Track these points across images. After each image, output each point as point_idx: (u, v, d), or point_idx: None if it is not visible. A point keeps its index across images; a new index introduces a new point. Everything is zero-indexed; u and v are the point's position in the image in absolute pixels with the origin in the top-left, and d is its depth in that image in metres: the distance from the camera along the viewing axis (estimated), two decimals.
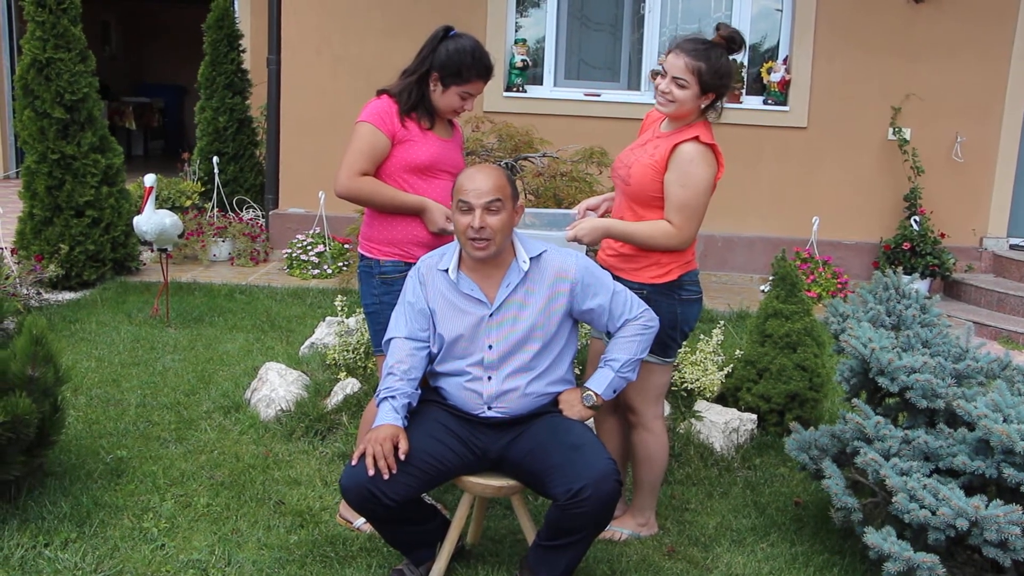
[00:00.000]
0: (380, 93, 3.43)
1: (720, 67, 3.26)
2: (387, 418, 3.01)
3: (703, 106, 3.32)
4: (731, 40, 3.31)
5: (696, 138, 3.27)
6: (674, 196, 3.27)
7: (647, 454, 3.57)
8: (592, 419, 3.49)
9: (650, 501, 3.65)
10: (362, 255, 3.51)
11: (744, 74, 8.37)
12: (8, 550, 3.26)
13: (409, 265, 3.40)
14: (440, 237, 3.41)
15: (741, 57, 8.33)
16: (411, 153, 3.36)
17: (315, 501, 3.77)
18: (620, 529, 3.63)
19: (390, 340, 3.18)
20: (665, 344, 3.42)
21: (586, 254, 3.40)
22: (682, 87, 3.26)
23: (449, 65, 3.35)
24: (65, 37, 6.77)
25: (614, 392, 3.17)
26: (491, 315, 3.10)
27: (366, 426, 3.57)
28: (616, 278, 3.38)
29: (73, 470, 3.90)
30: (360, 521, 3.56)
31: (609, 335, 3.23)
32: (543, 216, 3.74)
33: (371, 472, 2.89)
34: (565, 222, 3.55)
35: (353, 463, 2.93)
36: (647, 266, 3.37)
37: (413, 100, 3.38)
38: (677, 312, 3.40)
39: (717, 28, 3.35)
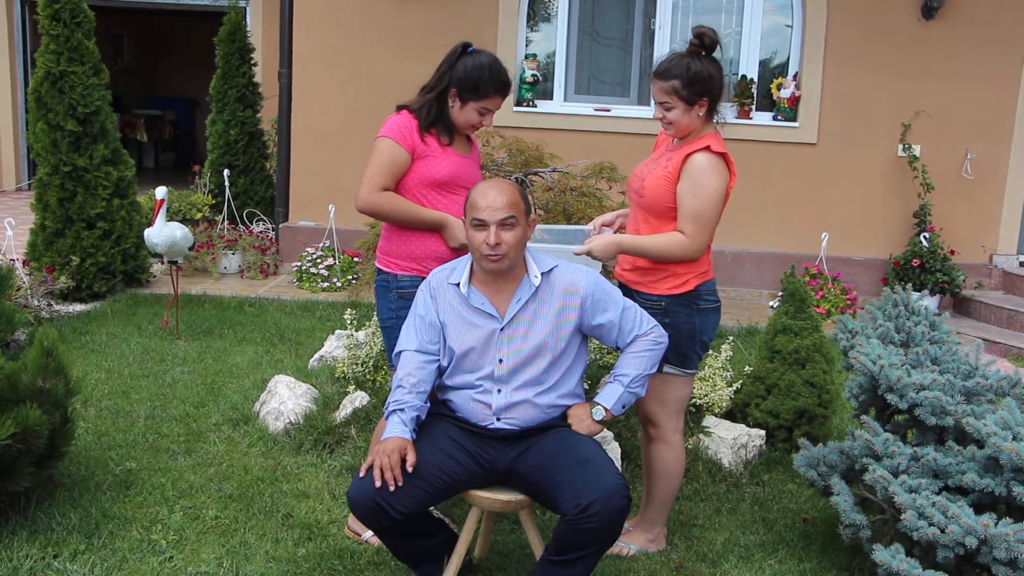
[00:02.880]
0: (400, 109, 3.45)
1: (694, 73, 3.28)
2: (395, 431, 3.01)
3: (701, 114, 3.33)
4: (701, 42, 3.33)
5: (707, 148, 3.28)
6: (686, 206, 3.28)
7: (665, 468, 3.56)
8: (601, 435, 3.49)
9: (661, 516, 3.64)
10: (379, 269, 3.52)
11: (754, 90, 8.38)
12: (17, 561, 3.27)
13: (424, 279, 3.41)
14: (458, 251, 3.43)
15: (751, 73, 8.37)
16: (430, 168, 3.38)
17: (323, 514, 3.77)
18: (628, 544, 3.61)
19: (400, 353, 3.19)
20: (685, 355, 3.43)
21: (602, 271, 3.41)
22: (669, 108, 3.32)
23: (467, 81, 3.36)
24: (79, 50, 6.82)
25: (623, 408, 3.16)
26: (502, 329, 3.11)
27: (377, 441, 3.57)
28: (634, 291, 3.40)
29: (82, 482, 3.91)
30: (368, 534, 3.57)
31: (619, 351, 3.23)
32: (556, 232, 3.74)
33: (378, 484, 2.89)
34: (579, 238, 3.55)
35: (361, 475, 2.94)
36: (664, 278, 3.37)
37: (432, 116, 3.40)
38: (695, 322, 3.41)
39: (692, 32, 3.39)
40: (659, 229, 3.37)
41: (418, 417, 3.10)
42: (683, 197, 3.29)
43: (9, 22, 11.98)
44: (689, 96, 3.28)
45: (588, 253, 3.31)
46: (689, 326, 3.40)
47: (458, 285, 3.16)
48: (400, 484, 2.90)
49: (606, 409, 3.14)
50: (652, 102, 3.48)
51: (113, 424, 4.61)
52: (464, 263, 3.19)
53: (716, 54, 3.37)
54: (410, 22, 8.27)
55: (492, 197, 3.03)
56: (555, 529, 2.97)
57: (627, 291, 3.45)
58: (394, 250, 3.46)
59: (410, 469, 2.93)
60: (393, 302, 3.46)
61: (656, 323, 3.21)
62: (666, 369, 3.42)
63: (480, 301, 3.13)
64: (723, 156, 3.31)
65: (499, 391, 3.12)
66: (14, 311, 3.68)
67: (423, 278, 3.39)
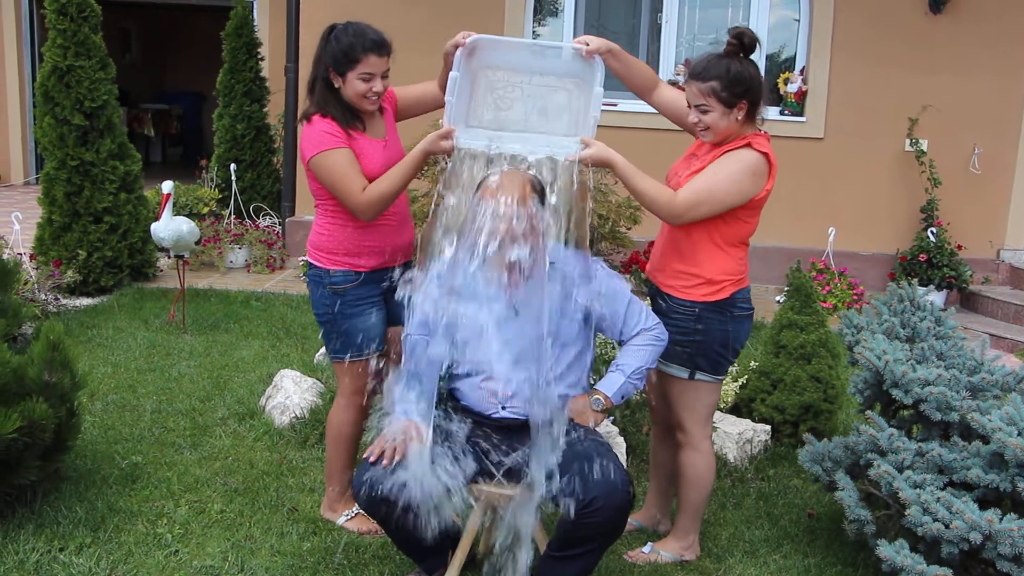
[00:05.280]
0: (307, 119, 3.38)
1: (735, 75, 3.15)
2: (404, 415, 3.05)
3: (740, 117, 3.20)
4: (740, 42, 3.20)
5: (748, 144, 3.18)
6: (699, 177, 3.18)
7: (695, 474, 3.49)
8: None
9: (694, 523, 3.56)
10: (311, 264, 3.52)
11: (760, 77, 8.35)
12: (24, 554, 3.29)
13: (358, 275, 3.42)
14: (390, 241, 3.45)
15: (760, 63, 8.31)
16: (364, 166, 3.35)
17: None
18: (663, 552, 3.55)
19: (409, 336, 3.21)
20: (717, 362, 3.36)
21: (611, 266, 3.38)
22: (705, 111, 3.18)
23: (337, 53, 3.32)
24: (86, 45, 6.83)
25: (622, 398, 3.15)
26: (508, 318, 3.10)
27: (332, 437, 3.63)
28: (666, 295, 3.35)
29: (88, 475, 3.93)
30: (342, 519, 3.60)
31: (621, 344, 3.22)
32: (518, 49, 3.32)
33: (373, 459, 2.92)
34: (553, 57, 3.25)
35: (371, 460, 2.95)
36: (699, 284, 3.29)
37: (339, 111, 3.35)
38: (728, 330, 3.33)
39: (728, 33, 3.28)
40: (691, 232, 3.27)
41: (427, 403, 3.11)
42: (705, 171, 3.19)
43: (17, 17, 12.01)
44: (729, 98, 3.15)
45: (581, 160, 3.11)
46: (722, 333, 3.32)
47: (468, 272, 3.15)
48: (397, 459, 2.92)
49: (606, 397, 3.12)
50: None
51: (119, 418, 4.62)
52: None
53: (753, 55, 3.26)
54: (416, 16, 8.26)
55: (503, 210, 2.93)
56: (558, 524, 2.98)
57: (659, 295, 3.40)
58: (326, 244, 3.44)
59: (418, 444, 2.95)
60: (327, 298, 3.45)
61: (660, 321, 3.20)
62: (698, 376, 3.36)
63: (488, 287, 3.13)
64: (765, 155, 3.18)
65: (504, 380, 3.12)
66: (20, 305, 3.69)
67: (356, 272, 3.40)
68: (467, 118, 3.26)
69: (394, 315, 3.55)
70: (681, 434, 3.48)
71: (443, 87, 3.43)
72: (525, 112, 3.27)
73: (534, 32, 8.59)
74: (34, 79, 11.59)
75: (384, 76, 3.38)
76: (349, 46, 3.31)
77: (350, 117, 3.37)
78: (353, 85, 3.33)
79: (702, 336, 3.29)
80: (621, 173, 3.13)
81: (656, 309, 3.41)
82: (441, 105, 3.53)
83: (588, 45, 3.19)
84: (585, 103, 3.23)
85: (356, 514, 3.64)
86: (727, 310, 3.31)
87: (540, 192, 3.04)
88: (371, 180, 3.33)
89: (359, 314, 3.46)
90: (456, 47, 3.22)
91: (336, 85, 3.35)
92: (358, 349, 3.48)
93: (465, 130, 3.22)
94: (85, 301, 6.85)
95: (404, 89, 3.64)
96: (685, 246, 3.30)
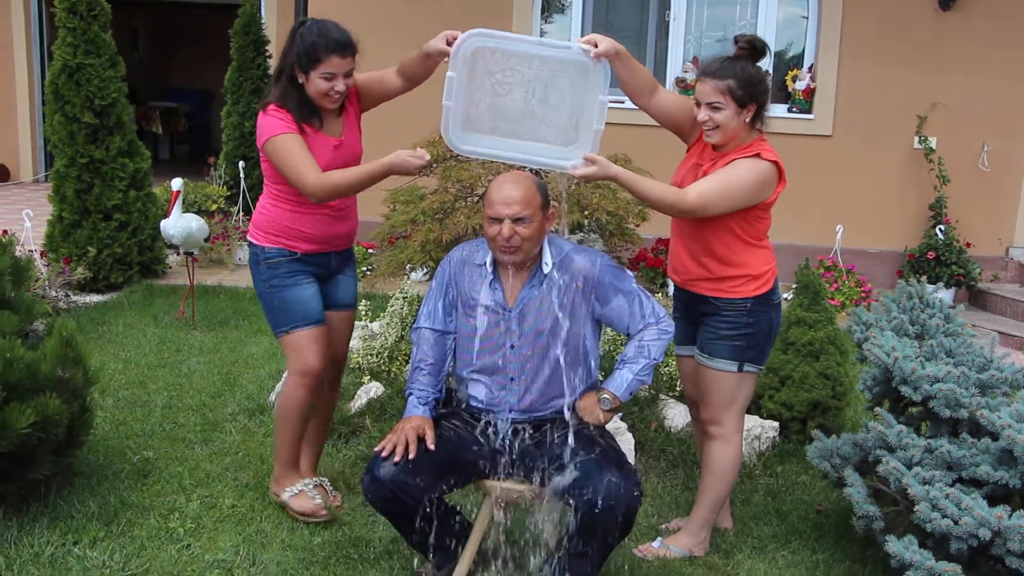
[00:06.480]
0: (263, 108, 3.45)
1: (749, 76, 3.24)
2: (415, 411, 3.09)
3: (748, 120, 3.27)
4: (752, 47, 3.30)
5: (757, 155, 3.24)
6: (711, 179, 3.22)
7: (725, 468, 3.52)
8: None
9: (712, 518, 3.59)
10: (250, 243, 3.62)
11: (768, 82, 8.35)
12: (39, 547, 3.32)
13: (292, 254, 3.51)
14: (327, 231, 3.54)
15: (766, 64, 8.30)
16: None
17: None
18: (672, 548, 3.56)
19: (418, 329, 3.25)
20: (763, 351, 3.46)
21: (620, 261, 3.39)
22: (718, 109, 3.24)
23: (301, 52, 3.36)
24: (95, 43, 6.86)
25: (630, 395, 3.16)
26: (512, 316, 3.12)
27: (278, 414, 3.66)
28: (711, 299, 3.40)
29: (101, 470, 3.95)
30: (287, 494, 3.65)
31: (628, 337, 3.23)
32: (523, 46, 3.16)
33: (384, 454, 2.95)
34: (564, 55, 3.17)
35: (383, 455, 2.97)
36: (746, 281, 3.37)
37: (295, 105, 3.40)
38: (772, 318, 3.45)
39: (735, 40, 3.33)
40: (703, 231, 3.33)
41: (437, 399, 3.15)
42: (717, 174, 3.23)
43: (26, 15, 12.05)
44: (743, 98, 3.22)
45: (584, 178, 3.14)
46: (768, 323, 3.43)
47: (478, 266, 3.18)
48: (411, 457, 2.95)
49: (614, 396, 3.12)
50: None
51: (130, 414, 4.65)
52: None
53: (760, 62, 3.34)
54: (422, 16, 8.25)
55: (507, 192, 3.01)
56: (567, 522, 2.99)
57: (702, 301, 3.44)
58: (264, 224, 3.55)
59: (431, 446, 2.98)
60: (264, 273, 3.56)
61: (666, 313, 3.21)
62: (746, 368, 3.43)
63: (495, 286, 3.15)
64: (774, 164, 3.27)
65: (511, 379, 3.13)
66: (34, 302, 3.71)
67: (289, 251, 3.50)
68: (465, 112, 3.17)
69: (330, 300, 3.69)
70: (716, 427, 3.52)
71: (406, 75, 3.54)
72: (525, 99, 3.18)
73: (541, 31, 8.59)
74: (43, 77, 11.67)
75: (347, 75, 3.42)
76: (312, 45, 3.35)
77: (307, 113, 3.43)
78: (315, 83, 3.38)
79: (753, 328, 3.39)
80: (626, 184, 3.16)
81: (700, 312, 3.46)
82: (399, 93, 3.61)
83: (596, 46, 3.18)
84: (584, 95, 3.17)
85: (299, 491, 3.67)
86: (770, 299, 3.43)
87: (543, 190, 3.09)
88: None
89: (294, 284, 3.55)
90: (441, 53, 3.25)
91: (300, 81, 3.40)
92: (297, 319, 3.56)
93: (463, 135, 3.17)
94: (95, 298, 6.88)
95: (363, 80, 3.63)
96: (720, 250, 3.36)
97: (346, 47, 3.38)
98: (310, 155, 3.37)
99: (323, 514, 3.60)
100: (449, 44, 3.20)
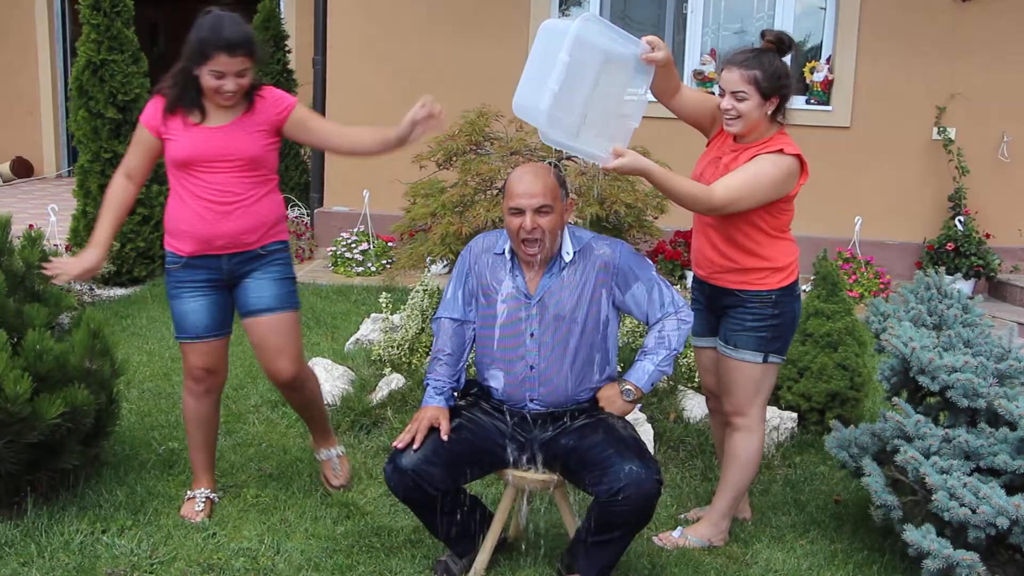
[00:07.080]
0: (157, 92, 3.43)
1: (775, 69, 3.27)
2: (431, 401, 3.13)
3: (769, 112, 3.30)
4: (779, 42, 3.34)
5: (780, 150, 3.26)
6: (737, 174, 3.24)
7: (748, 457, 3.55)
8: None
9: (732, 508, 3.62)
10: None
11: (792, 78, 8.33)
12: (68, 535, 3.39)
13: (179, 259, 3.47)
14: (205, 229, 3.40)
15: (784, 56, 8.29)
16: (171, 151, 3.39)
17: (360, 494, 3.85)
18: (691, 537, 3.58)
19: (438, 319, 3.28)
20: (787, 340, 3.50)
21: (638, 252, 3.41)
22: (742, 99, 3.26)
23: (192, 48, 3.23)
24: (119, 39, 6.93)
25: (652, 386, 3.18)
26: (533, 304, 3.15)
27: (190, 422, 3.67)
28: (737, 292, 3.42)
29: (127, 460, 4.02)
30: (187, 496, 3.65)
31: (647, 326, 3.24)
32: (606, 32, 3.07)
33: (401, 445, 3.00)
34: (627, 48, 3.14)
35: (400, 447, 3.02)
36: (771, 273, 3.39)
37: (175, 94, 3.34)
38: (795, 309, 3.49)
39: (763, 35, 3.35)
40: (727, 227, 3.36)
41: (455, 389, 3.19)
42: (742, 170, 3.25)
43: (50, 13, 12.16)
44: (767, 90, 3.25)
45: (614, 170, 3.11)
46: (791, 314, 3.47)
47: (499, 255, 3.21)
48: (428, 446, 3.00)
49: (636, 387, 3.14)
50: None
51: (155, 405, 4.72)
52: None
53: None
54: (441, 9, 8.29)
55: (528, 184, 3.05)
56: (587, 510, 3.02)
57: (726, 293, 3.46)
58: (166, 227, 3.54)
59: (444, 437, 3.02)
60: (169, 274, 3.54)
61: (685, 302, 3.23)
62: (771, 359, 3.46)
63: (516, 273, 3.18)
64: (797, 157, 3.29)
65: (532, 368, 3.16)
66: (61, 295, 3.77)
67: (175, 255, 3.47)
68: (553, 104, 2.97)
69: (242, 307, 3.53)
70: (740, 418, 3.54)
71: (354, 144, 3.50)
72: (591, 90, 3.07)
73: None
74: (66, 74, 11.79)
75: (240, 75, 3.26)
76: (202, 41, 3.20)
77: (187, 103, 3.33)
78: (205, 79, 3.26)
79: (778, 320, 3.41)
80: (657, 180, 3.14)
81: (724, 305, 3.48)
82: (333, 151, 3.64)
83: (654, 51, 3.17)
84: (621, 88, 3.17)
85: (190, 498, 3.66)
86: (794, 291, 3.46)
87: (562, 182, 3.12)
88: (174, 164, 3.39)
89: (176, 296, 3.52)
90: (415, 123, 3.27)
91: (195, 73, 3.27)
92: (178, 330, 3.56)
93: (549, 125, 2.97)
94: (119, 291, 6.96)
95: (301, 116, 3.48)
96: (745, 243, 3.38)
97: (236, 47, 3.19)
98: (137, 153, 3.45)
99: (195, 522, 3.56)
100: (431, 114, 3.26)
